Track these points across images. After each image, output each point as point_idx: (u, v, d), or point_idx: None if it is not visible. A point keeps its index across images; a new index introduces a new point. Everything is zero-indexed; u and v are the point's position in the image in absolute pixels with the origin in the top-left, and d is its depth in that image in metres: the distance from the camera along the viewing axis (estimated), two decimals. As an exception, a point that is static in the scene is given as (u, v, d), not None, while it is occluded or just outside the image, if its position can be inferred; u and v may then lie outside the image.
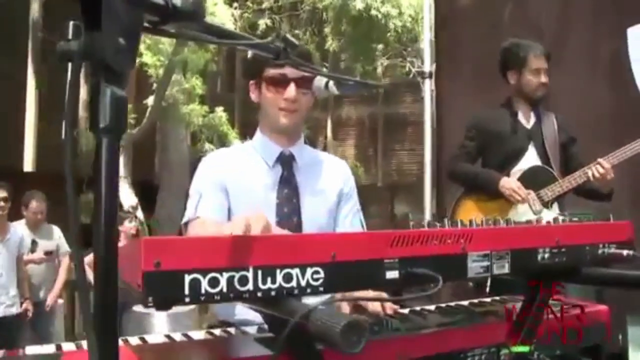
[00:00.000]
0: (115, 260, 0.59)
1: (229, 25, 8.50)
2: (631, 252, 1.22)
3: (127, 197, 8.93)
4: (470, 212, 3.01)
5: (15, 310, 4.86)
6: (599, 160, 2.79)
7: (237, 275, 0.79)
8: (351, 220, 1.89)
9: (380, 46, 9.91)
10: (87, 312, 0.57)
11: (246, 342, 1.13)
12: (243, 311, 1.56)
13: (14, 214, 5.40)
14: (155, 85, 8.34)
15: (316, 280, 0.84)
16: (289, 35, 0.92)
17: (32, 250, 5.26)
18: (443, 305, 1.55)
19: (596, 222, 1.28)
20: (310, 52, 1.91)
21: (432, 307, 1.51)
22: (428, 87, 4.45)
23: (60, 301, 6.42)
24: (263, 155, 1.82)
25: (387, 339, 1.12)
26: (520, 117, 3.03)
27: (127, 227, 5.52)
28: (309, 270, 0.84)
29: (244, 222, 1.13)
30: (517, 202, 2.88)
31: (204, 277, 0.77)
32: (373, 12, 9.03)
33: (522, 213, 2.88)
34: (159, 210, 9.46)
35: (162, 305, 0.75)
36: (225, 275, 0.78)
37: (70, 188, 0.54)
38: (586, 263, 1.21)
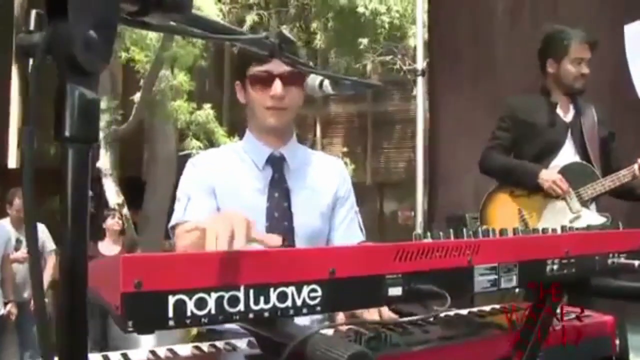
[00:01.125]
0: (84, 286, 0.51)
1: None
2: (642, 263, 1.16)
3: (113, 194, 8.79)
4: (504, 207, 2.89)
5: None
6: None
7: (226, 296, 0.71)
8: (348, 225, 1.82)
9: (366, 40, 9.80)
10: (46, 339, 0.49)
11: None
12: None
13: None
14: (142, 81, 8.22)
15: (313, 299, 0.77)
16: (285, 31, 0.84)
17: (17, 249, 5.15)
18: (442, 315, 1.48)
19: (606, 231, 1.22)
20: (297, 48, 1.83)
21: (431, 318, 1.44)
22: (420, 85, 4.40)
23: (46, 300, 6.31)
24: (252, 157, 1.75)
25: (386, 356, 1.05)
26: (559, 109, 2.88)
27: (110, 223, 5.42)
28: (306, 289, 0.76)
29: (228, 230, 1.05)
30: (557, 195, 2.74)
31: (190, 298, 0.69)
32: (360, 9, 8.95)
33: (559, 211, 2.77)
34: (146, 206, 9.33)
35: (144, 329, 0.67)
36: (214, 295, 0.71)
37: (27, 203, 0.46)
38: (595, 274, 1.15)
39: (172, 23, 0.59)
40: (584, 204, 2.77)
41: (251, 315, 0.73)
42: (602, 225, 2.67)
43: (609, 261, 1.17)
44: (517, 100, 3.03)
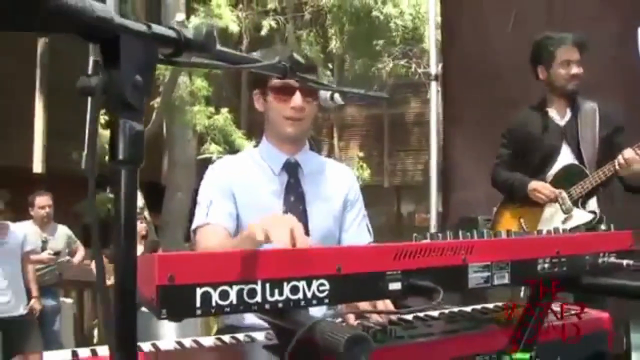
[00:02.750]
0: (134, 285, 0.63)
1: (234, 27, 8.54)
2: (631, 262, 1.25)
3: (134, 198, 8.96)
4: (509, 220, 3.04)
5: (22, 311, 4.93)
6: (624, 150, 2.68)
7: (246, 288, 0.83)
8: (357, 227, 1.92)
9: (381, 42, 9.89)
10: (108, 315, 0.61)
11: (254, 350, 1.17)
12: (251, 316, 1.60)
13: (23, 216, 5.47)
14: (161, 87, 8.39)
15: (322, 292, 0.88)
16: (295, 54, 0.95)
17: (43, 249, 5.33)
18: (446, 311, 1.58)
19: (597, 232, 1.31)
20: (316, 65, 1.94)
21: (435, 314, 1.54)
22: (434, 89, 4.48)
23: (70, 301, 6.50)
24: (269, 162, 1.86)
25: (390, 347, 1.15)
26: (553, 115, 2.95)
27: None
28: (315, 283, 0.87)
29: (263, 230, 1.19)
30: (543, 202, 2.85)
31: (215, 290, 0.81)
32: (374, 12, 9.05)
33: (552, 213, 2.87)
34: (166, 210, 9.50)
35: (175, 317, 0.79)
36: (235, 288, 0.82)
37: (93, 221, 0.57)
38: (586, 272, 1.24)
39: (198, 59, 0.71)
40: (575, 203, 2.85)
41: (267, 306, 0.84)
42: (589, 222, 2.77)
43: (600, 260, 1.26)
44: (516, 115, 3.15)
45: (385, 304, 1.51)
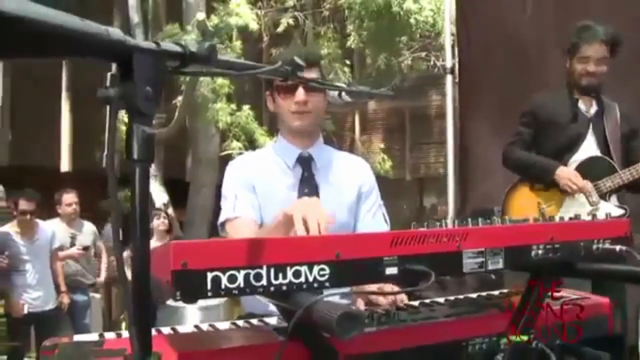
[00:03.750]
0: (148, 265, 0.72)
1: (253, 25, 8.64)
2: (624, 248, 1.30)
3: (158, 194, 9.16)
4: (525, 200, 3.00)
5: (51, 305, 5.12)
6: None
7: (252, 273, 0.91)
8: (372, 217, 2.00)
9: (403, 38, 9.92)
10: (128, 301, 0.70)
11: (264, 332, 1.26)
12: (268, 304, 1.69)
13: (52, 214, 5.67)
14: (183, 85, 8.54)
15: (322, 276, 0.96)
16: (296, 58, 1.03)
17: (72, 244, 5.52)
18: (452, 297, 1.65)
19: (592, 220, 1.36)
20: (319, 60, 2.02)
21: (441, 300, 1.61)
22: (450, 82, 4.52)
23: (98, 296, 6.71)
24: (283, 157, 1.95)
25: (392, 329, 1.23)
26: (582, 104, 2.94)
27: (156, 224, 5.73)
28: (316, 268, 0.95)
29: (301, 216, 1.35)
30: (573, 191, 2.82)
31: (224, 274, 0.89)
32: (395, 8, 9.08)
33: (578, 204, 2.85)
34: (190, 206, 9.68)
35: (188, 298, 0.88)
36: (242, 272, 0.91)
37: (115, 217, 0.67)
38: (581, 258, 1.30)
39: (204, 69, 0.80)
40: (603, 196, 2.84)
41: (272, 289, 0.92)
42: (619, 217, 2.76)
43: (594, 247, 1.31)
44: (540, 96, 3.11)
45: (392, 289, 1.59)
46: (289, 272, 0.94)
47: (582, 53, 2.87)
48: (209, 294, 0.89)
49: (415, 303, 1.56)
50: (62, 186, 5.86)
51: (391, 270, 1.02)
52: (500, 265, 1.17)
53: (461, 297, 1.66)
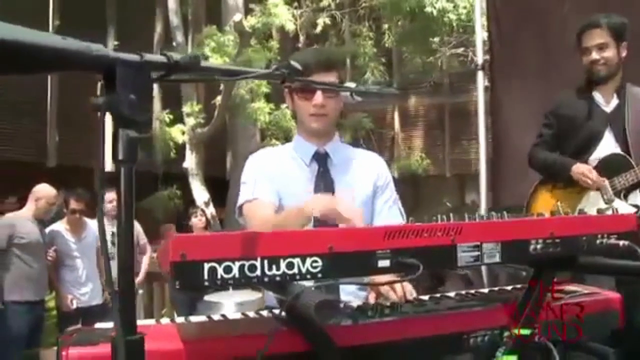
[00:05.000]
0: (132, 250, 0.80)
1: (289, 25, 8.75)
2: (626, 243, 1.30)
3: (199, 193, 9.38)
4: (546, 200, 3.00)
5: (98, 300, 5.35)
6: None
7: (247, 264, 0.97)
8: (388, 211, 2.04)
9: (437, 38, 9.89)
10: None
11: (265, 320, 1.32)
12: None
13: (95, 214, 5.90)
14: (222, 86, 8.72)
15: (315, 268, 1.01)
16: (293, 62, 1.09)
17: (113, 243, 5.74)
18: (463, 292, 1.67)
19: (597, 215, 1.37)
20: (338, 60, 2.08)
21: (452, 294, 1.64)
22: (481, 79, 4.48)
23: (140, 291, 6.93)
24: (300, 154, 2.02)
25: (394, 320, 1.27)
26: (599, 99, 2.90)
27: (194, 222, 5.89)
28: (309, 260, 1.01)
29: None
30: (589, 186, 2.81)
31: (220, 265, 0.96)
32: (428, 8, 9.05)
33: (593, 201, 2.83)
34: (230, 204, 9.86)
35: (187, 287, 0.95)
36: (237, 264, 0.97)
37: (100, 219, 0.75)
38: (583, 253, 1.31)
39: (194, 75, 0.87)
40: (618, 194, 2.79)
41: (266, 279, 0.98)
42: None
43: (598, 241, 1.32)
44: (562, 95, 3.09)
45: (403, 286, 1.63)
46: (282, 264, 0.99)
47: (583, 44, 2.85)
48: (206, 283, 0.95)
49: (426, 297, 1.60)
50: (107, 185, 6.07)
51: (384, 263, 1.06)
52: (497, 259, 1.19)
53: (472, 291, 1.68)
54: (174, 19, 9.53)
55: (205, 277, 0.95)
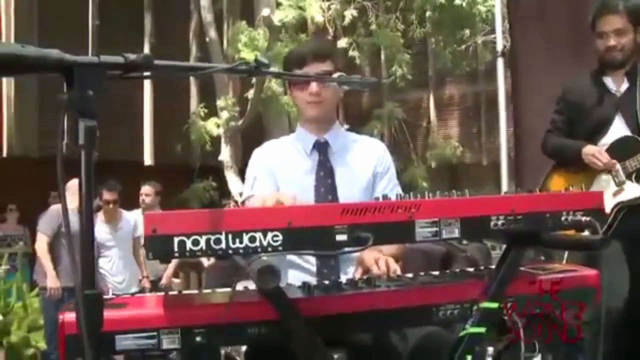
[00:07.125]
0: (92, 229, 0.92)
1: (318, 18, 8.85)
2: (588, 218, 1.36)
3: (234, 184, 9.59)
4: (558, 185, 3.01)
5: (134, 289, 5.60)
6: None
7: (212, 238, 1.09)
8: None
9: (467, 31, 9.83)
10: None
11: (248, 294, 1.43)
12: (287, 279, 1.87)
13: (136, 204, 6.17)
14: (254, 79, 8.88)
15: (275, 242, 1.12)
16: (260, 57, 1.19)
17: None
18: (448, 271, 1.75)
19: (562, 192, 1.43)
20: (331, 50, 2.17)
21: (435, 273, 1.70)
22: (501, 66, 4.46)
23: (177, 280, 7.19)
24: (301, 144, 2.13)
25: (365, 292, 1.37)
26: (609, 83, 2.88)
27: None
28: (270, 234, 1.12)
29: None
30: (599, 167, 2.80)
31: (188, 238, 1.08)
32: (457, 1, 9.01)
33: (604, 184, 2.82)
34: (265, 195, 10.03)
35: (158, 257, 1.07)
36: (204, 237, 1.09)
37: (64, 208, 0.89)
38: (546, 229, 1.37)
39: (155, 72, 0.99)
40: (629, 176, 2.78)
41: (230, 252, 1.10)
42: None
43: (562, 218, 1.38)
44: (569, 83, 3.08)
45: (387, 261, 1.71)
46: (245, 238, 1.11)
47: (599, 28, 2.81)
48: (176, 254, 1.08)
49: (409, 275, 1.68)
50: (146, 179, 6.35)
51: (341, 237, 1.16)
52: (456, 235, 1.27)
53: (457, 270, 1.75)
54: (207, 16, 9.75)
55: (175, 249, 1.07)
